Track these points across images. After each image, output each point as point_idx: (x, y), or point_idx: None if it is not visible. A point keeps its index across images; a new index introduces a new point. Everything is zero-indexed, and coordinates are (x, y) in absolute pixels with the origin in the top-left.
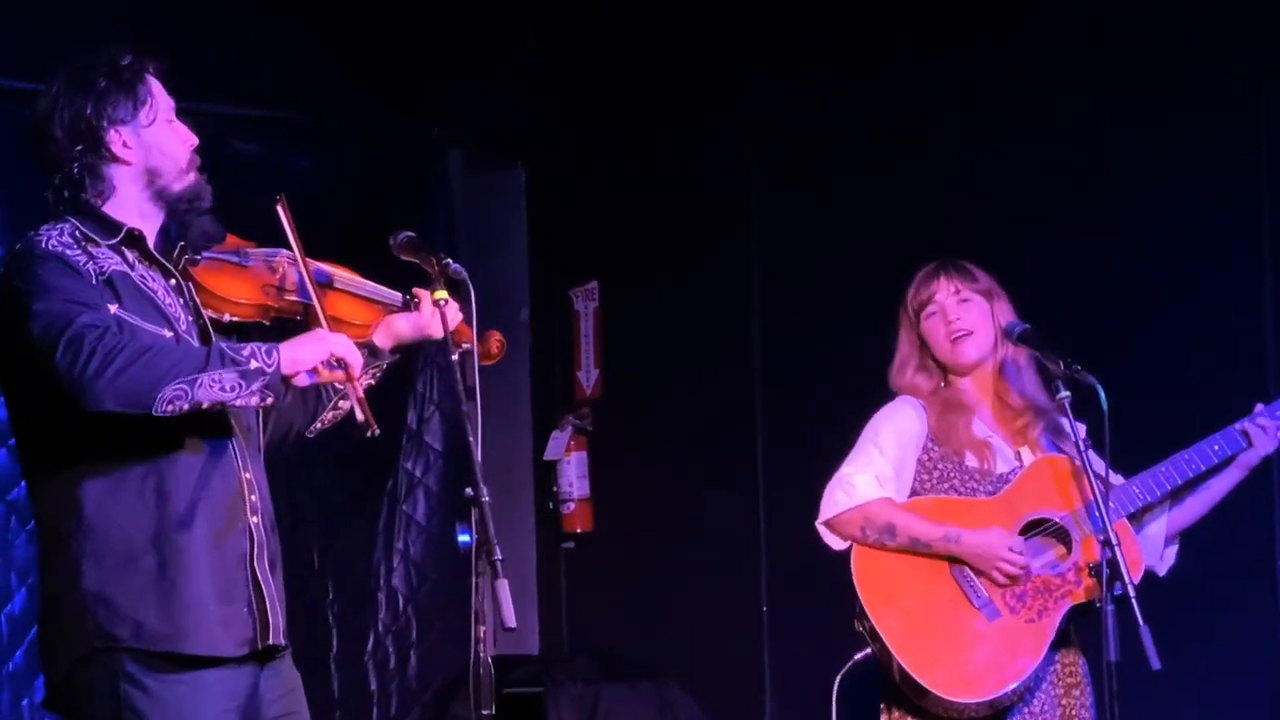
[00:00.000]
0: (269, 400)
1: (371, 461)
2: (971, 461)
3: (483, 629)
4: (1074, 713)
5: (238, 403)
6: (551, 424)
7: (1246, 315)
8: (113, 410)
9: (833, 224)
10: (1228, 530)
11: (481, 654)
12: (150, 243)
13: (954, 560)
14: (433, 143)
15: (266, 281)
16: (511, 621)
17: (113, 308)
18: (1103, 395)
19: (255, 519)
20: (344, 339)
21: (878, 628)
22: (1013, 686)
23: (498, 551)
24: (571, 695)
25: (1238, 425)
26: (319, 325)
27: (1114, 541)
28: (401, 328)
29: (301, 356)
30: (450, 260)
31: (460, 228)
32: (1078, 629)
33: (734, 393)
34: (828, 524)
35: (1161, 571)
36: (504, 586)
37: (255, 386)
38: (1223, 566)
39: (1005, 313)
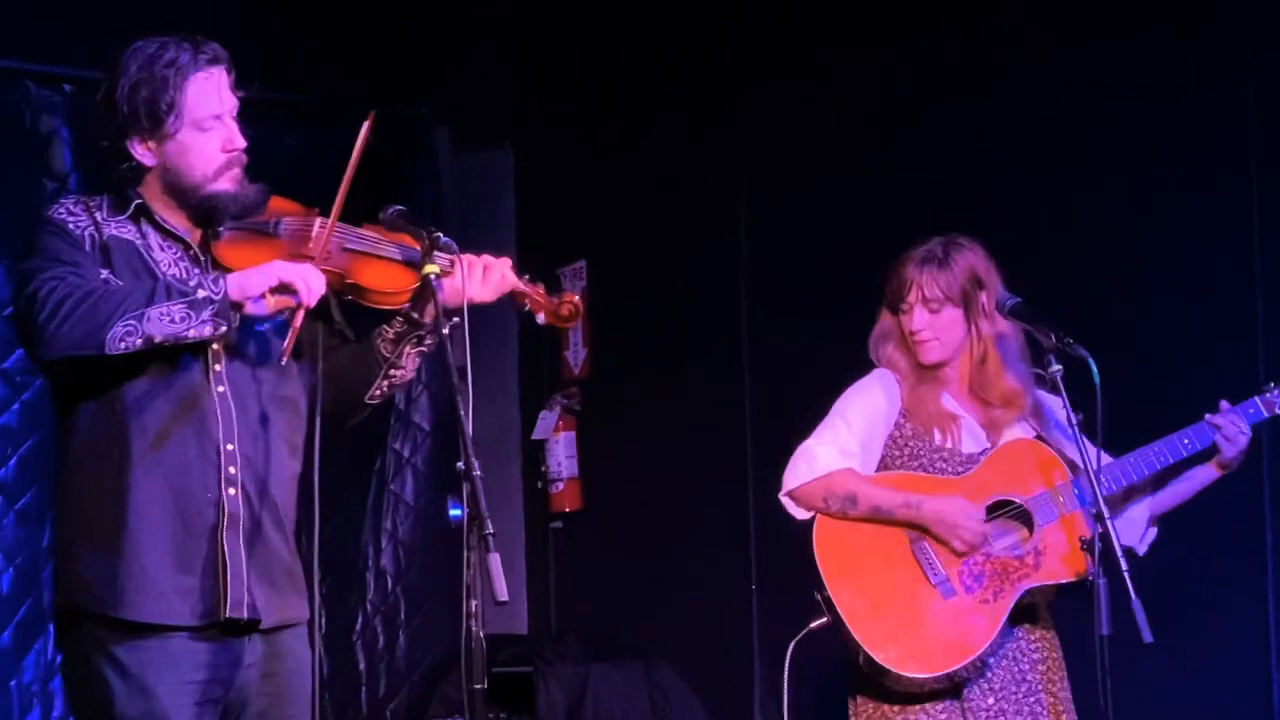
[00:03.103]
0: (221, 329)
1: (359, 441)
2: (939, 438)
3: (474, 603)
4: (1045, 687)
5: (190, 334)
6: (539, 404)
7: (1238, 303)
8: (68, 354)
9: (822, 201)
10: (1217, 507)
11: (473, 628)
12: (173, 221)
13: (915, 531)
14: (421, 122)
15: (294, 251)
16: (503, 595)
17: (103, 273)
18: (1094, 367)
19: (231, 491)
20: (297, 266)
21: (834, 599)
22: (962, 664)
23: (489, 526)
24: (561, 675)
25: (1208, 419)
26: (348, 292)
27: (1106, 516)
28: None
29: (249, 283)
30: (440, 234)
31: (448, 207)
32: (1054, 607)
33: (722, 372)
34: (790, 495)
35: (1142, 551)
36: (495, 560)
37: (205, 315)
38: (1212, 543)
39: (987, 305)
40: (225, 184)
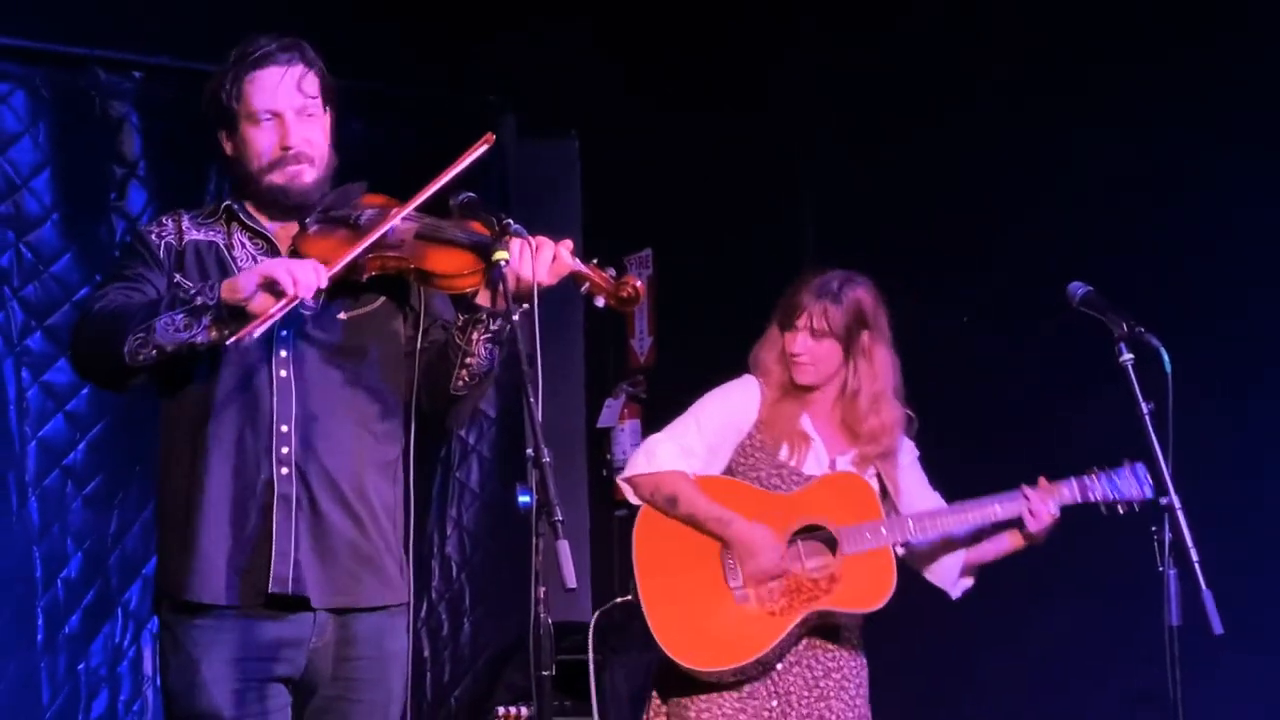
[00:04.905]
0: (227, 334)
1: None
2: (784, 454)
3: (542, 590)
4: (837, 695)
5: (198, 340)
6: (605, 392)
7: None
8: (93, 370)
9: (886, 190)
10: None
11: (541, 614)
12: (261, 218)
13: (724, 542)
14: (486, 110)
15: (362, 239)
16: (572, 582)
17: (176, 277)
18: (1166, 358)
19: (284, 470)
20: (286, 262)
21: (637, 582)
22: (732, 666)
23: (558, 512)
24: (625, 663)
25: (1023, 490)
26: (417, 279)
27: (1177, 506)
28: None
29: (239, 283)
30: (511, 220)
31: (514, 195)
32: (864, 631)
33: None
34: (627, 481)
35: (955, 596)
36: (564, 547)
37: (206, 320)
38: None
39: (868, 345)
40: (276, 178)
